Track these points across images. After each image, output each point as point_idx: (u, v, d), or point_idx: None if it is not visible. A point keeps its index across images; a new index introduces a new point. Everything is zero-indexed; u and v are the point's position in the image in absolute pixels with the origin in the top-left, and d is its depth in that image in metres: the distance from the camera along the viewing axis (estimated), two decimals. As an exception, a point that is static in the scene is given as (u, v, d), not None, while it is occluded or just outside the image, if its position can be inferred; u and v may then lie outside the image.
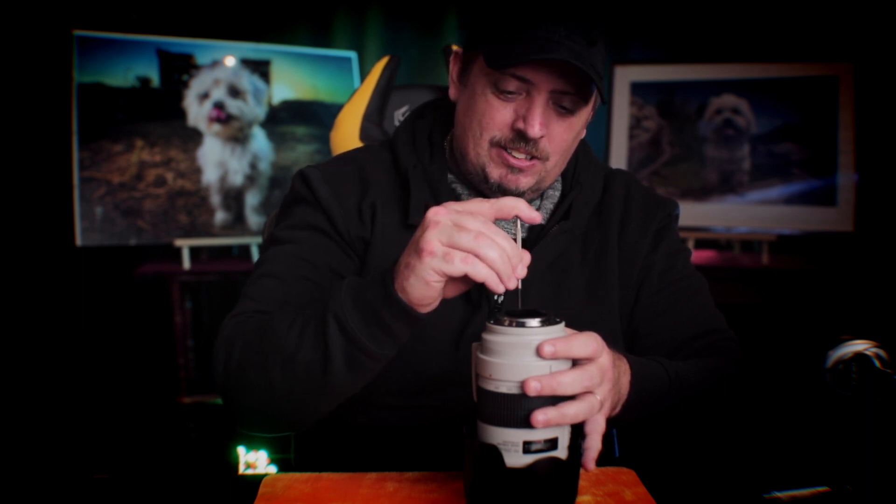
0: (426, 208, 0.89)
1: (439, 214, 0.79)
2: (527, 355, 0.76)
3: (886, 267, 3.02)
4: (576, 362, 0.79)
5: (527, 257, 0.80)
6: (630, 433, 1.05)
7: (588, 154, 1.19)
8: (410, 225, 1.06)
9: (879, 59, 3.24)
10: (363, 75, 3.55)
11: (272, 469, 2.46)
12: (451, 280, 0.81)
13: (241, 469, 2.48)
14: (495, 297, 1.06)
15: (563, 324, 0.79)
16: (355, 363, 0.86)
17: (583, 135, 1.12)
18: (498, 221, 0.97)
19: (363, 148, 1.20)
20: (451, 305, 1.02)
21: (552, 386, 0.75)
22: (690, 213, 3.36)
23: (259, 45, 3.48)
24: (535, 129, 1.00)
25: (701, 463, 1.00)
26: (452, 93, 1.11)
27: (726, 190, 3.35)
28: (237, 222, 3.41)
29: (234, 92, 3.40)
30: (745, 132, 3.34)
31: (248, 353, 0.93)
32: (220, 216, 3.39)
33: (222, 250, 3.55)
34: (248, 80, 3.43)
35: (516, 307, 1.03)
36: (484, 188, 1.07)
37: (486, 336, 0.79)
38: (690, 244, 3.26)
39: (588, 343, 0.78)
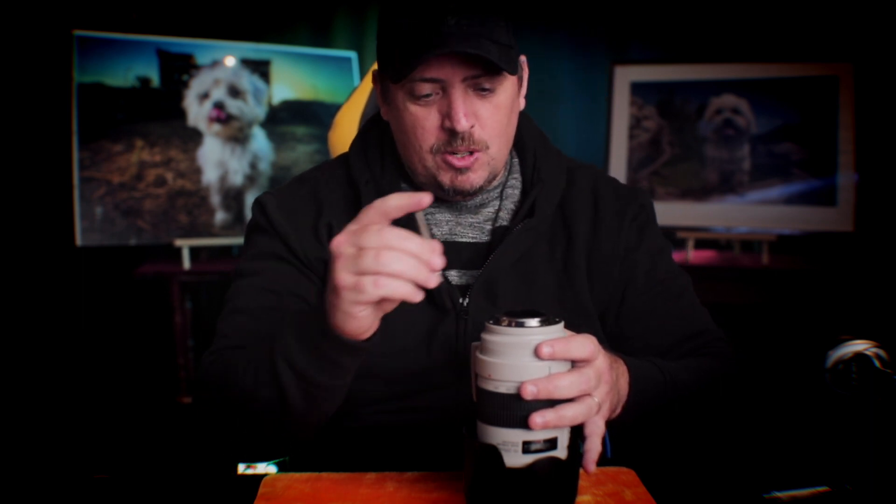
0: None
1: (341, 245, 0.77)
2: (526, 355, 0.76)
3: (886, 267, 3.02)
4: (574, 363, 0.79)
5: (437, 246, 0.76)
6: (625, 434, 1.05)
7: (546, 146, 1.16)
8: None
9: (879, 59, 3.23)
10: (363, 75, 3.55)
11: (272, 469, 2.46)
12: (377, 303, 0.79)
13: (241, 469, 2.48)
14: (461, 301, 1.06)
15: (562, 324, 0.79)
16: (311, 395, 0.88)
17: (521, 105, 1.10)
18: (465, 222, 0.96)
19: (321, 166, 1.20)
20: (418, 311, 1.02)
21: (549, 390, 0.75)
22: (690, 213, 3.36)
23: (259, 45, 3.48)
24: (461, 123, 0.99)
25: (701, 463, 1.00)
26: (383, 113, 1.11)
27: (726, 190, 3.35)
28: (237, 222, 3.41)
29: (234, 92, 3.40)
30: (745, 132, 3.34)
31: (218, 394, 0.96)
32: (220, 216, 3.39)
33: (222, 250, 3.55)
34: (248, 80, 3.43)
35: (485, 307, 1.03)
36: (440, 194, 1.07)
37: (486, 336, 0.79)
38: (690, 244, 3.26)
39: (586, 344, 0.78)
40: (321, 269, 1.08)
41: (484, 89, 1.01)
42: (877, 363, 0.85)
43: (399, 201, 0.78)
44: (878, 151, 3.24)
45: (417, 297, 0.76)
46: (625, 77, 3.48)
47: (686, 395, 1.00)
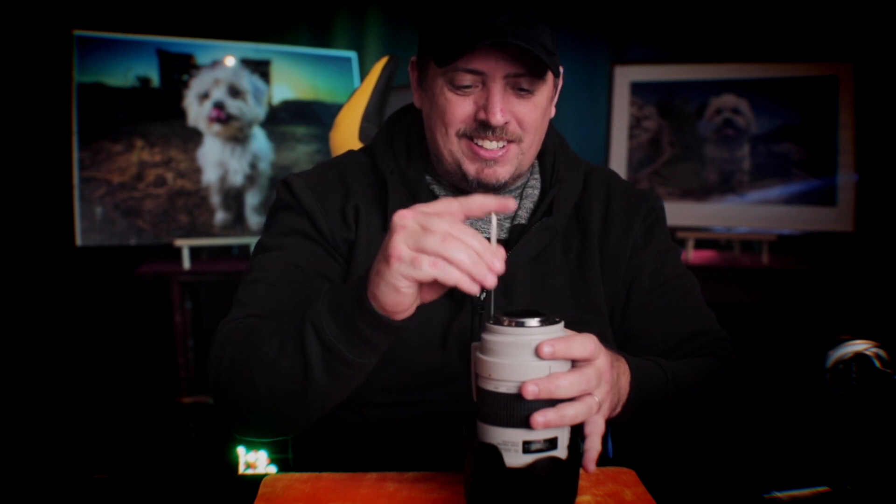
0: None
1: (405, 218, 0.76)
2: (526, 355, 0.76)
3: (886, 267, 3.02)
4: (574, 362, 0.79)
5: (501, 252, 0.77)
6: (626, 433, 1.05)
7: (566, 150, 1.18)
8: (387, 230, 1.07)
9: (879, 59, 3.23)
10: (363, 75, 3.55)
11: (272, 469, 2.46)
12: (424, 285, 0.79)
13: (241, 469, 2.48)
14: (479, 295, 1.06)
15: (562, 324, 0.79)
16: (335, 371, 0.85)
17: (552, 113, 1.12)
18: (473, 220, 0.96)
19: (345, 154, 1.21)
20: (436, 303, 1.02)
21: (550, 390, 0.75)
22: (690, 213, 3.36)
23: (259, 45, 3.48)
24: (496, 117, 1.00)
25: (701, 463, 0.99)
26: (416, 100, 1.12)
27: (726, 190, 3.35)
28: (237, 222, 3.41)
29: (234, 92, 3.40)
30: (745, 132, 3.34)
31: (236, 360, 0.93)
32: (220, 216, 3.39)
33: (222, 250, 3.55)
34: (248, 80, 3.43)
35: (501, 303, 1.04)
36: (464, 186, 1.08)
37: (486, 336, 0.79)
38: (690, 244, 3.26)
39: (586, 344, 0.78)
40: (346, 251, 1.09)
41: (523, 89, 1.02)
42: (877, 363, 0.85)
43: (484, 201, 0.78)
44: (878, 151, 3.24)
45: (473, 288, 0.76)
46: (625, 77, 3.48)
47: (687, 394, 1.00)
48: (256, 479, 0.94)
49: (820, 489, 0.86)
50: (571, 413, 0.76)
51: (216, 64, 3.38)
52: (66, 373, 3.45)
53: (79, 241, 3.13)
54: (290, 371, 0.86)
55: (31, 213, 3.45)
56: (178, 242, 3.25)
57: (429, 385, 1.07)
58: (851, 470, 0.85)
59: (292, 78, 3.54)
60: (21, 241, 3.43)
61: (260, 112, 3.46)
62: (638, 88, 3.47)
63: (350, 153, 1.20)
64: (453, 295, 1.06)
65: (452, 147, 1.05)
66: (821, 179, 3.23)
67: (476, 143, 1.04)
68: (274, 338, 0.88)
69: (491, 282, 0.76)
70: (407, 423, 1.08)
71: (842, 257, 3.25)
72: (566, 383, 0.76)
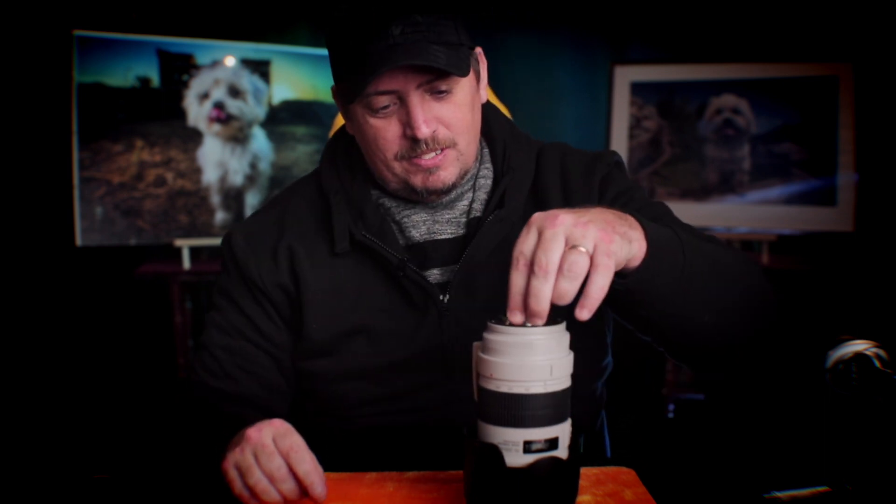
0: (350, 233, 1.03)
1: (247, 444, 0.85)
2: (527, 354, 0.76)
3: (886, 267, 3.02)
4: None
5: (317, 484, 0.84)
6: (659, 297, 0.96)
7: (515, 134, 1.16)
8: (336, 253, 1.09)
9: (879, 59, 3.24)
10: (363, 75, 3.54)
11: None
12: None
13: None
14: (441, 298, 1.06)
15: (564, 323, 0.79)
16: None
17: (484, 97, 1.10)
18: (442, 219, 1.05)
19: (295, 183, 1.21)
20: (401, 313, 1.07)
21: (534, 287, 0.76)
22: (690, 213, 3.35)
23: (259, 45, 3.48)
24: (421, 131, 1.00)
25: (701, 463, 0.99)
26: (347, 128, 1.11)
27: (726, 190, 3.35)
28: (237, 222, 3.41)
29: (234, 92, 3.40)
30: (745, 132, 3.34)
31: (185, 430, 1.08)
32: (220, 216, 3.39)
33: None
34: (248, 80, 3.43)
35: (463, 300, 1.03)
36: (415, 197, 1.08)
37: (487, 335, 0.79)
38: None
39: (526, 235, 0.79)
40: (277, 294, 1.11)
41: (440, 91, 1.01)
42: (877, 363, 0.85)
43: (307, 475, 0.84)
44: (878, 151, 3.24)
45: None
46: (625, 77, 3.48)
47: (705, 257, 0.94)
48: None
49: (820, 489, 0.86)
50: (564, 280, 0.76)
51: (216, 64, 3.38)
52: (66, 373, 3.45)
53: (79, 241, 3.13)
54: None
55: (31, 213, 3.45)
56: (178, 242, 3.25)
57: (405, 393, 1.08)
58: (851, 470, 0.85)
59: (292, 78, 3.54)
60: (21, 241, 3.43)
61: (260, 112, 3.46)
62: (638, 88, 3.47)
63: (299, 182, 1.21)
64: (414, 302, 1.07)
65: (396, 170, 1.05)
66: (821, 179, 3.23)
67: (416, 158, 1.03)
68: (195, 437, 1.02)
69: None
70: (399, 427, 1.09)
71: (842, 257, 3.25)
72: (529, 250, 0.77)
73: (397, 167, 1.04)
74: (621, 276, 0.85)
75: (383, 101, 1.00)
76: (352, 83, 0.99)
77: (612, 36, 3.78)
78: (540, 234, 0.78)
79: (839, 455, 0.89)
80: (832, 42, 3.36)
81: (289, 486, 0.83)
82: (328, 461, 0.95)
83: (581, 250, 0.76)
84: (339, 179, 1.12)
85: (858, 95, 3.18)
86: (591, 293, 0.76)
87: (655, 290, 0.89)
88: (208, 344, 1.12)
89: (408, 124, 1.00)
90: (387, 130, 1.02)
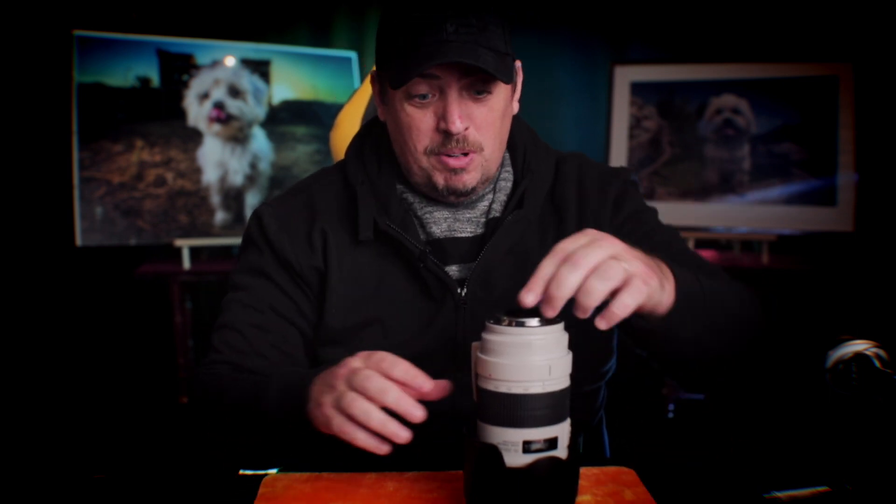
0: (374, 223, 1.04)
1: (338, 378, 0.83)
2: (527, 355, 0.76)
3: (886, 267, 3.02)
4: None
5: (440, 385, 0.81)
6: (680, 345, 1.02)
7: (536, 142, 1.19)
8: (360, 241, 1.10)
9: (879, 59, 3.24)
10: (363, 75, 3.55)
11: (272, 469, 2.46)
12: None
13: (241, 469, 2.48)
14: (458, 291, 1.08)
15: (562, 323, 0.79)
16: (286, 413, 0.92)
17: (515, 109, 1.13)
18: (463, 218, 1.07)
19: (317, 173, 1.23)
20: (418, 304, 1.09)
21: (554, 283, 0.78)
22: (690, 213, 3.36)
23: (259, 45, 3.48)
24: (455, 125, 1.01)
25: (701, 463, 0.99)
26: (380, 114, 1.13)
27: (726, 190, 3.35)
28: (237, 222, 3.41)
29: (234, 92, 3.40)
30: (745, 132, 3.34)
31: (211, 406, 1.04)
32: (220, 216, 3.39)
33: (222, 250, 3.55)
34: (248, 80, 3.43)
35: (480, 296, 1.04)
36: (435, 195, 1.10)
37: (486, 336, 0.79)
38: (690, 244, 3.26)
39: (575, 237, 0.81)
40: (314, 277, 1.12)
41: (479, 93, 1.03)
42: (877, 363, 0.85)
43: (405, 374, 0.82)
44: (878, 151, 3.24)
45: (381, 449, 0.81)
46: (625, 77, 3.48)
47: (720, 306, 0.99)
48: (256, 479, 0.94)
49: (820, 489, 0.86)
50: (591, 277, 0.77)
51: (216, 64, 3.38)
52: (66, 373, 3.45)
53: (79, 241, 3.13)
54: (243, 410, 0.97)
55: (31, 213, 3.45)
56: (178, 242, 3.25)
57: None
58: (851, 470, 0.85)
59: (292, 78, 3.54)
60: (21, 241, 3.44)
61: (260, 112, 3.46)
62: (638, 88, 3.47)
63: (322, 171, 1.23)
64: (431, 293, 1.09)
65: (422, 163, 1.07)
66: (821, 179, 3.23)
67: (444, 155, 1.05)
68: (235, 389, 1.00)
69: (403, 437, 0.80)
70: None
71: (842, 257, 3.25)
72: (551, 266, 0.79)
73: (424, 161, 1.06)
74: (641, 317, 0.89)
75: (424, 88, 1.02)
76: (398, 72, 1.00)
77: (612, 36, 3.78)
78: (590, 242, 0.81)
79: (839, 455, 0.89)
80: (832, 42, 3.36)
81: (393, 396, 0.80)
82: (328, 461, 0.95)
83: (622, 264, 0.80)
84: (366, 171, 1.14)
85: (858, 95, 3.18)
86: (614, 309, 0.79)
87: (672, 335, 0.93)
88: (234, 323, 1.11)
89: (443, 117, 1.02)
90: (421, 121, 1.04)
